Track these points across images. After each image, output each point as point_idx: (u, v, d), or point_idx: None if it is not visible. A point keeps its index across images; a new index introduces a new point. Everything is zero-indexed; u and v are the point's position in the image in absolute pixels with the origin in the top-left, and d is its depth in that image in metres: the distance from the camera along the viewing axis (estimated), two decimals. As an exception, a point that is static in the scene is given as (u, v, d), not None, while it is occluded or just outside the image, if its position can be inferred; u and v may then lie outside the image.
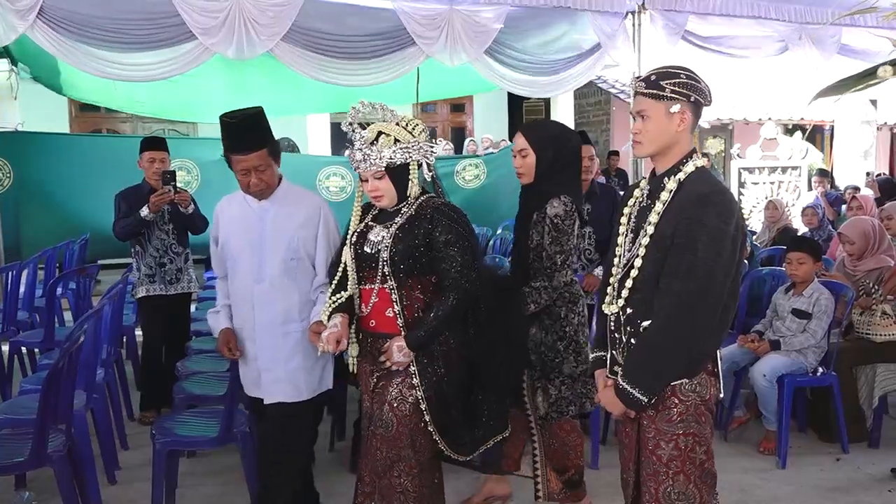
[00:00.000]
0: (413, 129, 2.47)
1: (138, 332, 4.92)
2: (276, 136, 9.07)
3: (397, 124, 2.46)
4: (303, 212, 2.70)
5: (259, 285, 2.65)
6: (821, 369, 3.84)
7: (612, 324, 2.14)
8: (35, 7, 4.70)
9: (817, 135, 12.02)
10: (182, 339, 4.45)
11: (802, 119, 11.05)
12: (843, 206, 7.68)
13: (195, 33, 5.24)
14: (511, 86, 6.61)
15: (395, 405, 2.44)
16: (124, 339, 5.38)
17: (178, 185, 4.24)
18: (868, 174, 9.30)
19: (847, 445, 3.84)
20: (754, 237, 6.62)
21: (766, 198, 8.03)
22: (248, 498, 3.04)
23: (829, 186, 8.41)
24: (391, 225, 2.46)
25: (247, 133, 2.58)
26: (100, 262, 6.47)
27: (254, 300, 2.66)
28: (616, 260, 2.15)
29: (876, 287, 3.95)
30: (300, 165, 9.20)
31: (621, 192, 4.39)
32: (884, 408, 4.06)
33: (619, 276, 2.11)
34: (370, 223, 2.53)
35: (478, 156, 9.35)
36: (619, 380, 2.04)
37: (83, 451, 3.12)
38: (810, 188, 8.88)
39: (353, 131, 2.46)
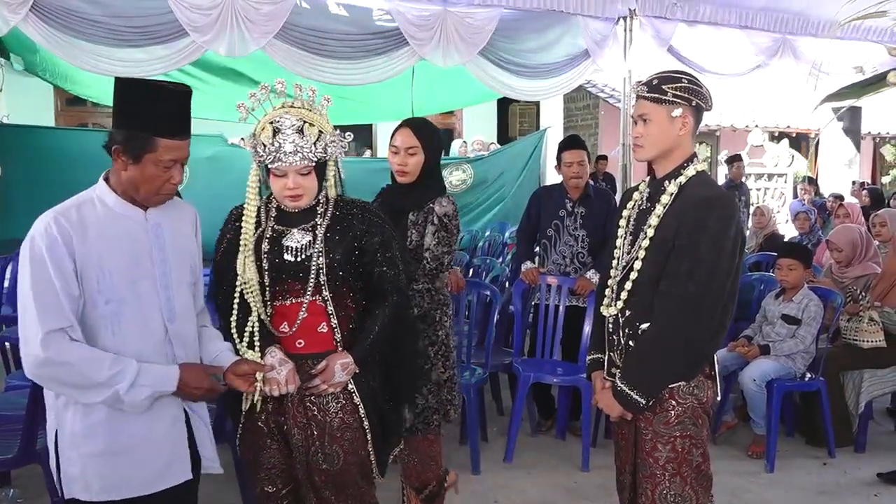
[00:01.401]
0: (328, 119, 2.13)
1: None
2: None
3: (316, 112, 2.09)
4: (186, 221, 2.04)
5: (172, 325, 1.90)
6: (809, 374, 3.88)
7: (609, 326, 2.15)
8: (28, 0, 4.66)
9: (802, 143, 12.17)
10: None
11: (788, 127, 11.18)
12: (827, 214, 7.79)
13: (187, 30, 5.23)
14: (503, 88, 6.62)
15: (338, 435, 2.11)
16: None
17: None
18: (854, 182, 9.43)
19: (834, 450, 3.89)
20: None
21: (753, 204, 8.11)
22: (241, 496, 3.02)
23: (815, 194, 8.51)
24: (314, 228, 2.12)
25: (187, 112, 1.91)
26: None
27: (173, 346, 1.90)
28: (614, 262, 2.15)
29: (864, 294, 4.00)
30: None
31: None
32: (869, 413, 4.11)
33: (617, 279, 2.12)
34: (276, 227, 2.14)
35: (466, 158, 9.39)
36: (618, 381, 2.05)
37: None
38: (795, 195, 8.97)
39: (280, 120, 2.04)
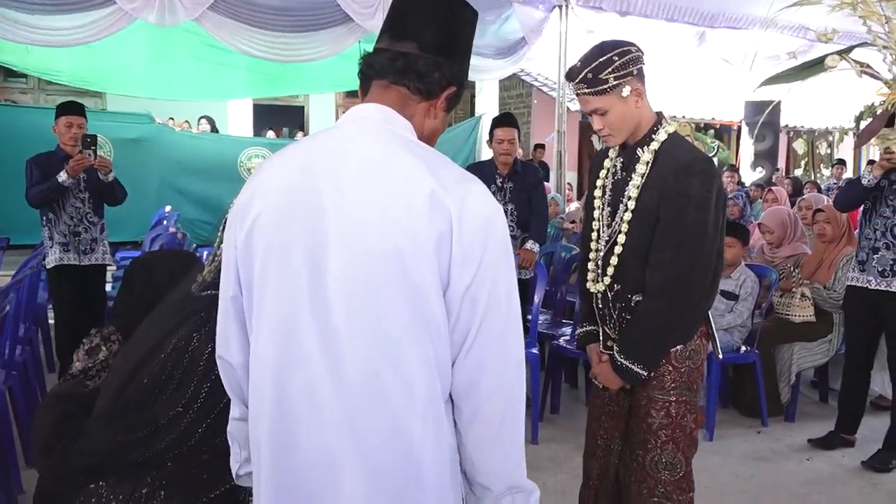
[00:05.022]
0: None
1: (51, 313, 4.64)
2: (196, 114, 8.90)
3: None
4: None
5: None
6: (745, 347, 4.04)
7: (598, 301, 2.10)
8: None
9: (724, 134, 12.65)
10: (97, 314, 4.22)
11: (713, 119, 11.61)
12: (750, 201, 8.11)
13: (113, -3, 4.98)
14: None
15: None
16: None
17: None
18: (777, 169, 9.88)
19: (767, 419, 4.06)
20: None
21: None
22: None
23: (737, 183, 8.86)
24: None
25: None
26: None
27: None
28: (594, 235, 2.10)
29: (796, 271, 4.19)
30: (221, 146, 8.92)
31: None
32: (798, 385, 4.32)
33: (601, 253, 2.07)
34: None
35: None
36: (617, 356, 2.01)
37: (3, 430, 2.90)
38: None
39: None
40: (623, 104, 1.94)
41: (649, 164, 1.98)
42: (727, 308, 4.00)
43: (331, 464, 1.11)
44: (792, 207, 5.81)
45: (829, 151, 14.24)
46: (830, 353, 4.16)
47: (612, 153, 2.12)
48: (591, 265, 2.11)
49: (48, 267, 4.19)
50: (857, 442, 3.75)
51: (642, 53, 1.97)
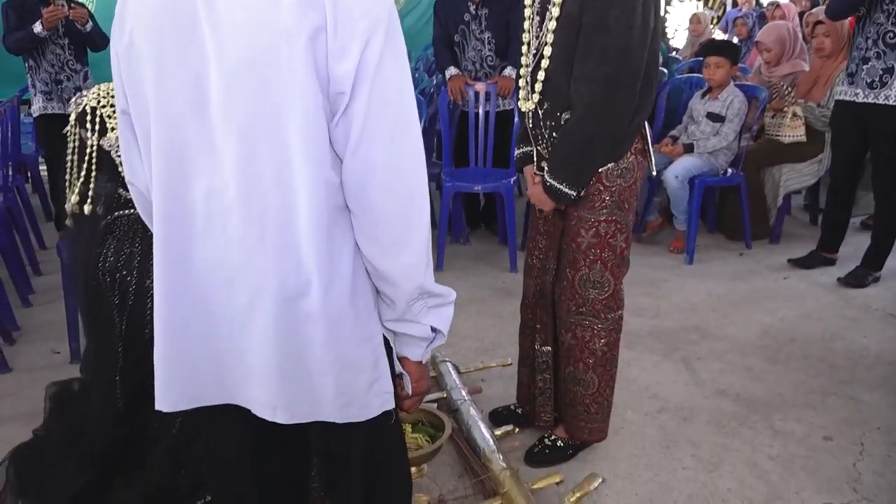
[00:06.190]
0: None
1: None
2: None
3: None
4: None
5: None
6: (730, 170, 3.97)
7: (530, 121, 2.00)
8: None
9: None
10: None
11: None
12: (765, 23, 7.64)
13: None
14: None
15: None
16: (28, 175, 5.16)
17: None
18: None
19: (750, 242, 4.07)
20: (676, 53, 6.59)
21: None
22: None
23: (755, 3, 8.32)
24: None
25: None
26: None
27: None
28: (524, 49, 1.97)
29: (789, 89, 4.01)
30: None
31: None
32: (787, 207, 4.27)
33: (530, 69, 1.95)
34: None
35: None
36: (546, 177, 1.94)
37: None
38: (735, 4, 8.78)
39: None
40: None
41: None
42: (713, 131, 3.88)
43: (226, 276, 1.13)
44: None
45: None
46: (820, 174, 4.07)
47: None
48: (521, 82, 2.00)
49: (34, 116, 4.25)
50: (838, 260, 3.76)
51: None
